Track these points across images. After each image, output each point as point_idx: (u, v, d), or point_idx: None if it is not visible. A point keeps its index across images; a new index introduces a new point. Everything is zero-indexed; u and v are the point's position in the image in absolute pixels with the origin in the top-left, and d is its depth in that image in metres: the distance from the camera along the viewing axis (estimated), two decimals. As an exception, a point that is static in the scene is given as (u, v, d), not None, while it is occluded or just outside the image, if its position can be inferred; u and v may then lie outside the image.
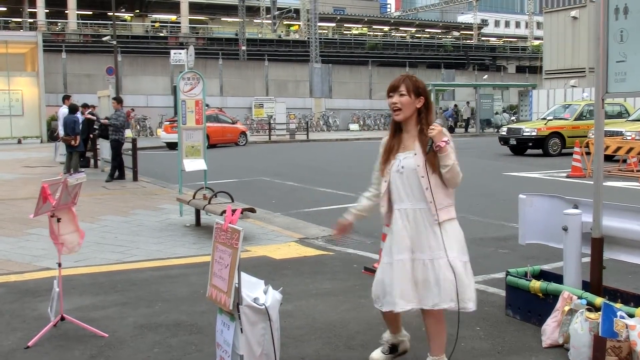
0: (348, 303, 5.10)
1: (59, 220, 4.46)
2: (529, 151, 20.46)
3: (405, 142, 3.52)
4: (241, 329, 3.23)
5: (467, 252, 3.51)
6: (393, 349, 3.85)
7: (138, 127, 35.07)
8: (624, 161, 15.31)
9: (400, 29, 73.23)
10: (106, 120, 15.06)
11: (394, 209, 3.54)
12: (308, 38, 49.08)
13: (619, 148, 14.72)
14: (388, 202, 3.58)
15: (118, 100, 14.76)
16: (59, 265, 4.61)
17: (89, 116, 16.79)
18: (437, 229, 3.42)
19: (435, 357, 3.55)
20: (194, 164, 9.47)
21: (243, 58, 48.42)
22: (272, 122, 35.33)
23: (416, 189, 3.45)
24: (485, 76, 52.06)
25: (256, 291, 3.40)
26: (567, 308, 4.03)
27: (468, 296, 3.42)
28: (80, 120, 15.54)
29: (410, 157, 3.45)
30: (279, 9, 55.81)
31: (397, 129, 3.58)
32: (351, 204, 3.85)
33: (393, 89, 3.50)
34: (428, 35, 71.48)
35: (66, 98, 17.42)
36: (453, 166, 3.36)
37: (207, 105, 34.99)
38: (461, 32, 74.31)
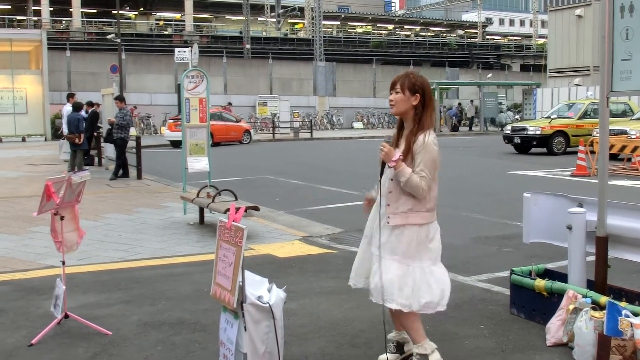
0: (352, 301, 5.09)
1: (62, 218, 4.47)
2: (533, 150, 20.43)
3: (402, 139, 3.60)
4: (245, 327, 3.23)
5: (420, 258, 3.48)
6: (399, 348, 3.84)
7: (142, 125, 35.09)
8: (629, 160, 15.27)
9: (405, 27, 73.09)
10: (113, 119, 15.04)
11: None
12: (312, 36, 49.03)
13: (623, 147, 14.68)
14: None
15: (121, 99, 14.75)
16: (63, 263, 4.63)
17: (98, 110, 16.87)
18: (386, 230, 3.49)
19: (417, 344, 3.59)
20: (198, 165, 9.47)
21: (247, 56, 48.40)
22: (276, 120, 35.31)
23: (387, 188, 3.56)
24: (490, 75, 51.92)
25: (260, 289, 3.39)
26: (571, 307, 4.02)
27: (400, 297, 3.45)
28: (84, 118, 15.55)
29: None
30: (283, 7, 55.70)
31: (402, 126, 3.65)
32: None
33: (392, 86, 3.60)
34: (432, 34, 71.34)
35: (70, 96, 17.44)
36: (407, 181, 3.40)
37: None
38: (465, 30, 74.17)
